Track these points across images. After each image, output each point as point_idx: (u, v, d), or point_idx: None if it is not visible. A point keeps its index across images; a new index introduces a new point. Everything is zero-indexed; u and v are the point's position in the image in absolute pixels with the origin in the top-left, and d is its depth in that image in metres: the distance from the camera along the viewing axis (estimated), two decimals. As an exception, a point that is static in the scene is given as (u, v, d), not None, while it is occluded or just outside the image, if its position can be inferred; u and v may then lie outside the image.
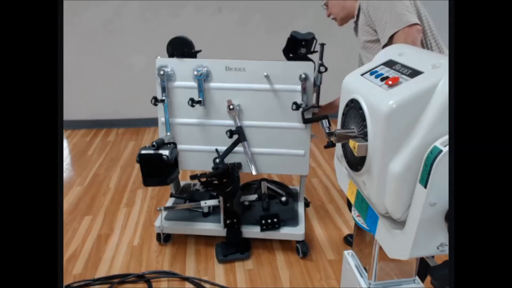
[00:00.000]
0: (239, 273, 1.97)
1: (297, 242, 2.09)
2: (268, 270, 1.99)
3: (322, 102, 1.98)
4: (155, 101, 2.03)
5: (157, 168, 1.85)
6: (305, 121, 1.99)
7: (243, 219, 2.08)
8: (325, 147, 1.48)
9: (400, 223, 0.78)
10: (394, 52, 0.92)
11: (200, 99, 2.02)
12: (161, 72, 2.01)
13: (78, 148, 3.53)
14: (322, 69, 1.88)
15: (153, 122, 2.34)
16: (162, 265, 2.03)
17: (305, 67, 1.94)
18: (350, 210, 2.02)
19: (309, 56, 1.96)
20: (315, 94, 1.98)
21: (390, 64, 0.87)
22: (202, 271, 1.98)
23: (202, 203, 2.10)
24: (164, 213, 2.16)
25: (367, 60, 1.69)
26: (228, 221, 2.01)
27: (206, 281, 1.90)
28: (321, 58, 1.90)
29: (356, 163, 0.85)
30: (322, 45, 1.89)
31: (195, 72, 1.99)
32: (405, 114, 0.72)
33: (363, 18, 1.66)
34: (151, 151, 1.84)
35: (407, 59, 0.84)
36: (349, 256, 1.11)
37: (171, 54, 2.07)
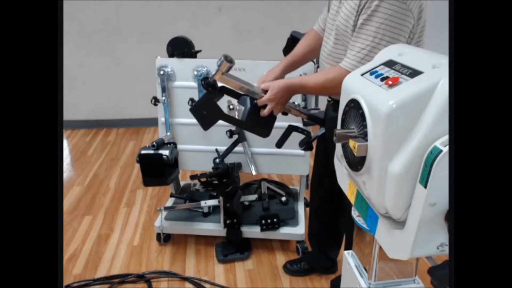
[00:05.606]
0: (239, 273, 1.97)
1: (297, 242, 2.09)
2: (268, 270, 1.99)
3: (321, 104, 1.98)
4: (155, 101, 2.03)
5: (157, 168, 1.85)
6: (305, 123, 1.99)
7: (243, 219, 2.08)
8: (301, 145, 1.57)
9: (400, 223, 0.78)
10: (394, 52, 0.92)
11: (200, 99, 2.02)
12: (161, 72, 2.01)
13: (78, 148, 3.53)
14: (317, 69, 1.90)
15: (153, 122, 2.33)
16: (162, 265, 2.02)
17: (306, 67, 1.94)
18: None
19: None
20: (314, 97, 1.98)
21: (390, 64, 0.87)
22: (202, 271, 1.98)
23: (202, 203, 2.10)
24: (164, 213, 2.16)
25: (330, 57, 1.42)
26: (228, 221, 2.01)
27: (206, 281, 1.90)
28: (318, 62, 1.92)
29: (356, 163, 0.85)
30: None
31: (195, 72, 1.99)
32: (405, 114, 0.72)
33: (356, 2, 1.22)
34: (151, 151, 1.84)
35: (407, 59, 0.84)
36: (349, 256, 1.11)
37: (171, 54, 2.07)
